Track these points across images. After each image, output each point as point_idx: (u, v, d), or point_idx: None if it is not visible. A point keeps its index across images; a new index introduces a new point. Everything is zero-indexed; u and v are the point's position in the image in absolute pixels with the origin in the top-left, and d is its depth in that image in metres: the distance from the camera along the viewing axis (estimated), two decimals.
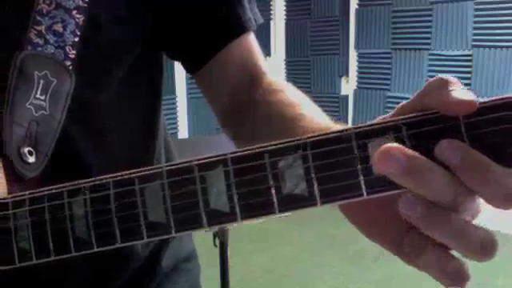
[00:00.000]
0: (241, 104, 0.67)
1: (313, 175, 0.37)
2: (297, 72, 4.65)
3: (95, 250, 0.43)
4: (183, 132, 4.38)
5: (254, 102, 0.65)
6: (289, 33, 4.67)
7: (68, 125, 0.57)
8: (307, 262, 3.20)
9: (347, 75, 4.33)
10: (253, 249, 3.35)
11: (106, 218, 0.41)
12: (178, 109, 4.35)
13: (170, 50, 0.69)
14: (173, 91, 4.23)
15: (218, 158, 0.39)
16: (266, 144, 0.39)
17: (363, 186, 0.37)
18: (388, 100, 4.08)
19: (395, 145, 0.35)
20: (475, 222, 0.37)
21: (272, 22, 4.67)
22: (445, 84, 0.36)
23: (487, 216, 0.41)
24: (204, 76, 0.69)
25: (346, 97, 4.39)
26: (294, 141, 0.38)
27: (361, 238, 0.45)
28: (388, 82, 4.04)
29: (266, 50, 4.65)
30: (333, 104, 4.42)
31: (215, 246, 1.99)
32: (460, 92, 0.35)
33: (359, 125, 0.37)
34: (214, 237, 1.98)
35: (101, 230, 0.42)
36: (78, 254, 0.43)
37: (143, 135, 0.71)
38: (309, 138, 0.38)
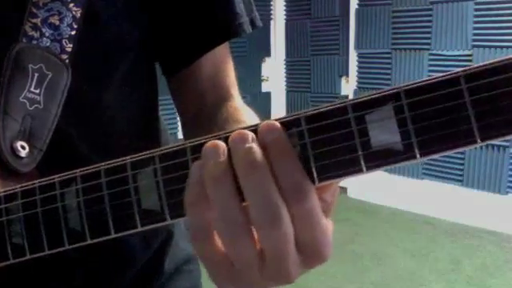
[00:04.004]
0: (204, 119, 0.67)
1: (310, 150, 0.36)
2: (297, 72, 4.64)
3: (89, 242, 0.41)
4: None
5: (216, 118, 0.65)
6: (289, 33, 4.66)
7: (66, 120, 0.57)
8: None
9: (347, 75, 4.31)
10: None
11: (98, 207, 0.40)
12: None
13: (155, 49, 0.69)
14: None
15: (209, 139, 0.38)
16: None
17: (362, 161, 0.35)
18: None
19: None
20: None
21: (272, 22, 4.66)
22: None
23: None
24: (175, 83, 0.70)
25: (346, 97, 4.37)
26: (293, 115, 0.37)
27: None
28: (388, 82, 4.03)
29: (266, 50, 4.64)
30: None
31: None
32: None
33: (356, 97, 0.36)
34: None
35: (94, 220, 0.41)
36: (71, 247, 0.42)
37: (142, 130, 0.70)
38: (305, 112, 0.36)
